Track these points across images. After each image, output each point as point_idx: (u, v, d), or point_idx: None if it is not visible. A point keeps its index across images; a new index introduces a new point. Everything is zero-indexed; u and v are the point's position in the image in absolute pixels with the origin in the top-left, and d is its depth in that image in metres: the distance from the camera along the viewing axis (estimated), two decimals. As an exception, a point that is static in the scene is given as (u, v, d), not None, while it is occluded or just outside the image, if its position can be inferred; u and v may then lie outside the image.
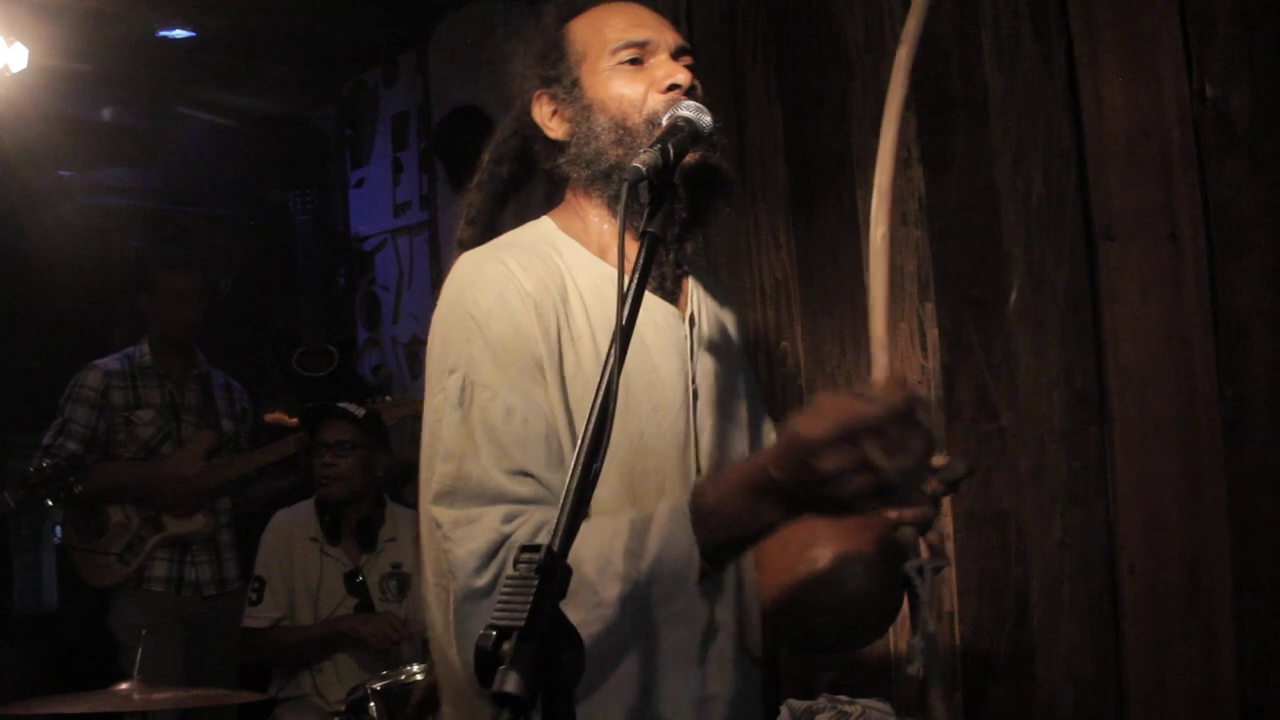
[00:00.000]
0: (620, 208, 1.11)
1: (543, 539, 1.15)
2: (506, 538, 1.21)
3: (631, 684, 1.29)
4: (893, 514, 1.42)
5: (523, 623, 0.85)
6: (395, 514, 3.42)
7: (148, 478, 3.45)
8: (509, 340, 1.32)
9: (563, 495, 0.95)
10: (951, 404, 2.58)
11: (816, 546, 1.37)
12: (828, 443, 1.04)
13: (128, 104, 4.21)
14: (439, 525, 1.27)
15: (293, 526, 3.29)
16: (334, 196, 4.70)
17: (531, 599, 0.86)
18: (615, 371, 1.00)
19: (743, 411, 1.56)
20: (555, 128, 1.48)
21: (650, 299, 1.46)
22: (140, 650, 2.34)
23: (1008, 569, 2.47)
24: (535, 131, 1.51)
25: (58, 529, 3.60)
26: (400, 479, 3.99)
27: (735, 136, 3.04)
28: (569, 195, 1.51)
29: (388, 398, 3.68)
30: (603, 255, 1.46)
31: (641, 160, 1.15)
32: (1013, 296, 2.45)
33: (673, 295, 1.50)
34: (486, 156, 1.58)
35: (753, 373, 1.72)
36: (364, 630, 3.12)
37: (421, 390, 4.11)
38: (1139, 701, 2.24)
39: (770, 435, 1.72)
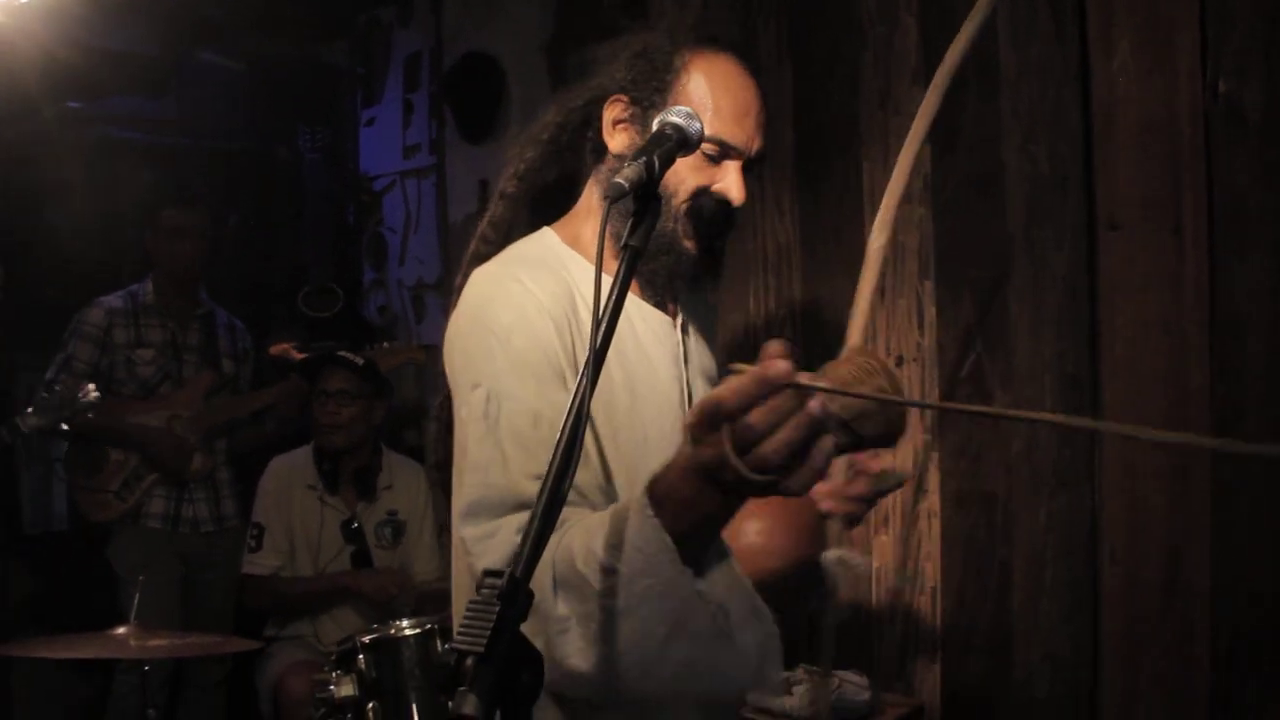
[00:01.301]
0: (600, 224, 1.11)
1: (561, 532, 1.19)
2: None
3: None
4: (826, 505, 1.46)
5: (481, 647, 0.87)
6: (391, 462, 3.45)
7: (143, 426, 3.47)
8: (531, 354, 1.34)
9: (530, 518, 0.96)
10: (946, 383, 2.60)
11: (752, 519, 1.42)
12: (727, 406, 0.99)
13: (138, 34, 4.17)
14: (464, 542, 1.30)
15: (291, 474, 3.33)
16: (344, 135, 4.66)
17: (492, 624, 0.88)
18: (586, 396, 1.01)
19: None
20: (615, 137, 1.48)
21: (647, 309, 1.50)
22: (138, 595, 2.38)
23: (993, 548, 2.50)
24: (596, 120, 1.50)
25: (65, 450, 3.63)
26: (396, 426, 4.03)
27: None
28: (585, 201, 1.52)
29: (385, 344, 3.67)
30: (605, 268, 1.46)
31: (624, 176, 1.13)
32: (1011, 281, 2.44)
33: (664, 306, 1.53)
34: (550, 115, 1.56)
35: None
36: (364, 585, 3.18)
37: (424, 335, 4.13)
38: (1113, 684, 2.28)
39: None
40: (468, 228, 4.01)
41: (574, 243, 1.50)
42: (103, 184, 4.11)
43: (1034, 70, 2.41)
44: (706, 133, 1.37)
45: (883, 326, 2.70)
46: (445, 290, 4.15)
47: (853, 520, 1.49)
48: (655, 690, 1.20)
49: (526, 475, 1.28)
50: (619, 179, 1.13)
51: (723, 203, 1.44)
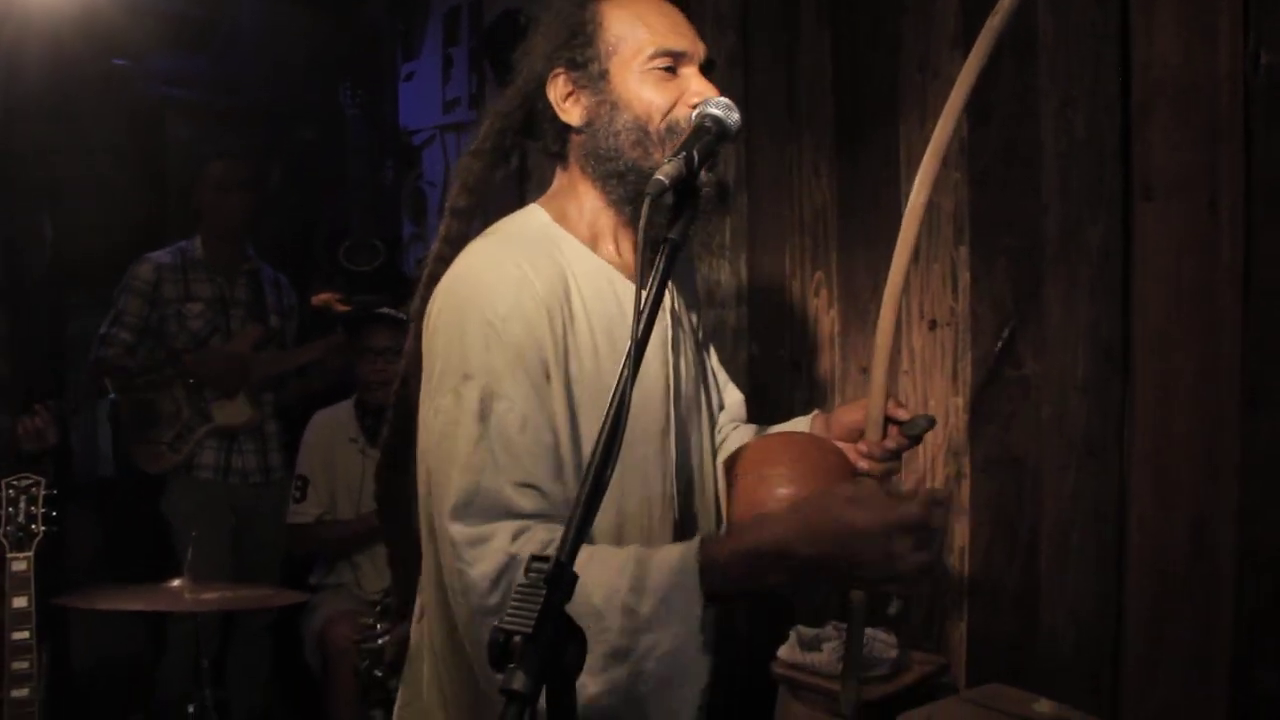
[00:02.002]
0: (641, 222, 1.13)
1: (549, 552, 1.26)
2: (513, 558, 1.27)
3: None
4: (862, 464, 1.51)
5: (529, 628, 0.93)
6: (432, 415, 3.52)
7: (196, 360, 3.57)
8: (524, 346, 1.35)
9: (574, 504, 1.02)
10: (978, 349, 2.63)
11: (783, 486, 1.45)
12: (877, 534, 1.17)
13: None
14: (453, 543, 1.31)
15: (333, 428, 3.42)
16: (384, 89, 4.70)
17: (539, 607, 0.94)
18: (629, 385, 1.06)
19: (705, 399, 1.63)
20: (569, 110, 1.48)
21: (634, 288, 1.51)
22: (190, 550, 2.47)
23: (1021, 511, 2.54)
24: (543, 107, 1.50)
25: (111, 399, 3.74)
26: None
27: (785, 62, 3.03)
28: (565, 180, 1.52)
29: None
30: (593, 246, 1.49)
31: (664, 172, 1.17)
32: (1046, 248, 2.46)
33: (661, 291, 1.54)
34: (488, 124, 1.57)
35: (712, 347, 1.79)
36: None
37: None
38: (1136, 647, 2.32)
39: (735, 396, 1.81)
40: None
41: (562, 220, 1.51)
42: (148, 140, 4.18)
43: (1073, 37, 2.40)
44: (648, 50, 1.42)
45: (917, 290, 2.72)
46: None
47: (888, 476, 1.54)
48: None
49: (512, 482, 1.31)
50: (659, 175, 1.17)
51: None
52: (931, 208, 2.65)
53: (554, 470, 1.35)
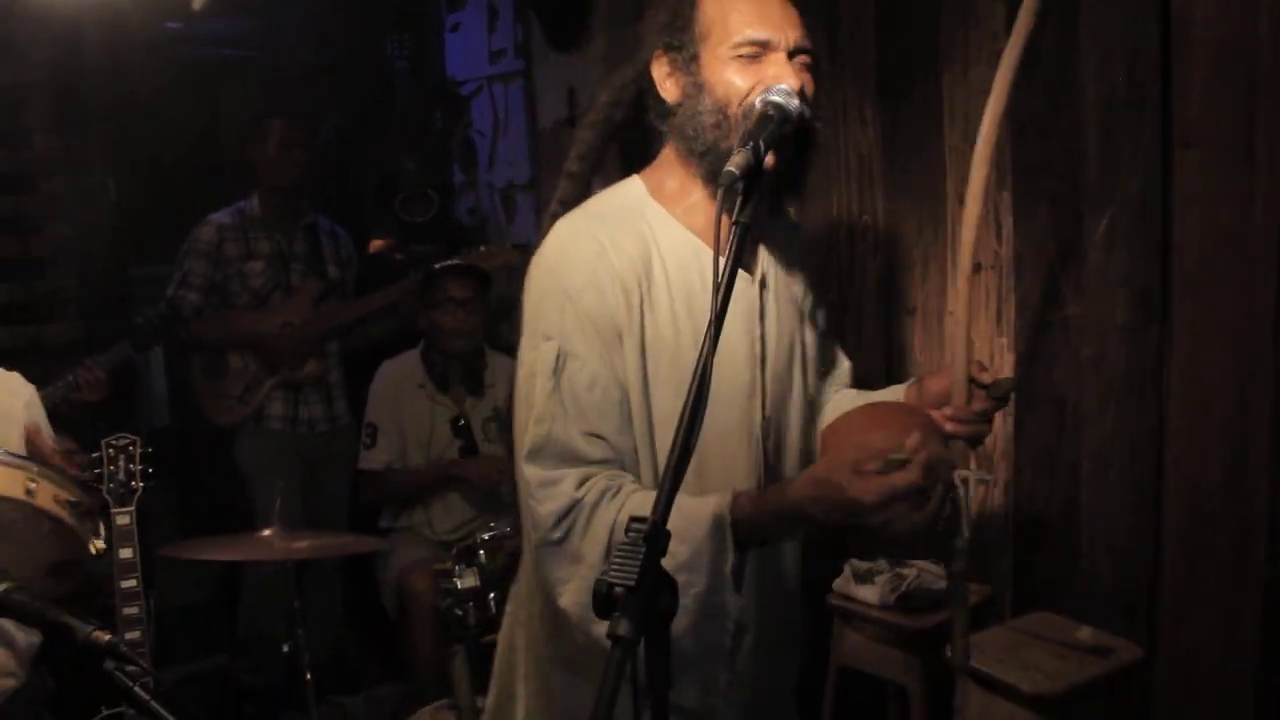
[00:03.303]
0: (716, 211, 1.26)
1: (605, 504, 1.44)
2: (578, 501, 1.45)
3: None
4: (949, 427, 1.61)
5: (632, 581, 1.07)
6: (494, 361, 3.65)
7: (259, 333, 3.70)
8: (597, 314, 1.50)
9: (665, 470, 1.15)
10: (1021, 291, 2.71)
11: (873, 434, 1.53)
12: (869, 506, 1.32)
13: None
14: (527, 482, 1.50)
15: (401, 376, 3.55)
16: (430, 40, 4.76)
17: (640, 561, 1.08)
18: (709, 357, 1.18)
19: (801, 365, 1.73)
20: (669, 90, 1.58)
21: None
22: (279, 500, 2.63)
23: (1062, 448, 2.65)
24: (651, 85, 1.61)
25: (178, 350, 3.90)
26: (491, 321, 4.22)
27: (827, 10, 3.08)
28: (666, 154, 1.62)
29: (482, 248, 3.85)
30: (687, 220, 1.59)
31: (734, 163, 1.28)
32: (1086, 195, 2.53)
33: (746, 262, 1.63)
34: (603, 97, 1.70)
35: (823, 316, 1.85)
36: (471, 472, 3.43)
37: (515, 234, 4.28)
38: (1173, 578, 2.44)
39: (843, 365, 1.91)
40: (557, 134, 4.16)
41: (657, 193, 1.62)
42: (203, 100, 4.28)
43: (1114, -12, 2.45)
44: (733, 38, 1.50)
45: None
46: (535, 191, 4.32)
47: (977, 439, 1.64)
48: None
49: (581, 432, 1.49)
50: (730, 166, 1.28)
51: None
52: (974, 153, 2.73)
53: (621, 423, 1.52)
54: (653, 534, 1.10)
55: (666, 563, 1.13)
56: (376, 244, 4.50)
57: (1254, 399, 2.25)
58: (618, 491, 1.46)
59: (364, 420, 3.56)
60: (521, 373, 1.56)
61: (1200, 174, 2.33)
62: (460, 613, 2.59)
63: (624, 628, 1.05)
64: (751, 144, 1.31)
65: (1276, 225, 2.20)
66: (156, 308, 3.57)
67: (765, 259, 1.68)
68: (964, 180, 2.74)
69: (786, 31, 1.52)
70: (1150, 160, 2.41)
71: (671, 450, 1.16)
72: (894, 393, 1.80)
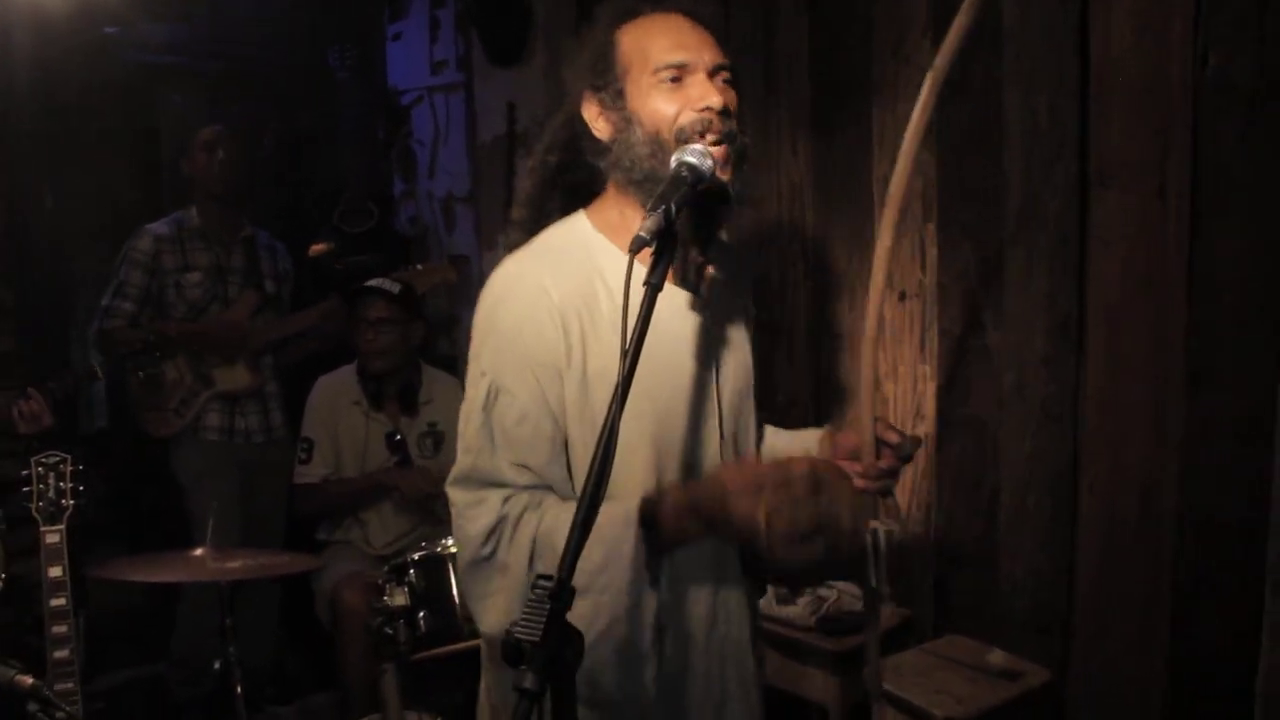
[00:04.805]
0: (625, 279, 1.29)
1: (528, 515, 1.51)
2: (504, 517, 1.52)
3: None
4: (859, 483, 1.66)
5: (538, 637, 1.10)
6: (431, 377, 3.66)
7: (196, 332, 3.70)
8: (534, 352, 1.54)
9: (571, 528, 1.18)
10: (944, 319, 2.78)
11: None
12: (742, 491, 1.39)
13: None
14: (454, 504, 1.58)
15: (337, 392, 3.55)
16: (373, 49, 4.75)
17: (545, 617, 1.11)
18: (616, 418, 1.22)
19: (747, 379, 1.78)
20: (601, 128, 1.62)
21: (671, 288, 1.61)
22: (212, 520, 2.62)
23: (983, 472, 2.72)
24: (583, 127, 1.65)
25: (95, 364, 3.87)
26: (432, 342, 4.23)
27: (764, 42, 3.13)
28: (609, 190, 1.66)
29: (419, 266, 3.85)
30: (615, 237, 1.63)
31: (645, 228, 1.32)
32: (1008, 227, 2.60)
33: (695, 285, 1.67)
34: (539, 145, 1.75)
35: (752, 338, 1.89)
36: (401, 482, 3.44)
37: (456, 245, 4.27)
38: (1087, 601, 2.52)
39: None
40: (496, 148, 4.16)
41: (603, 226, 1.65)
42: (139, 109, 4.23)
43: (1035, 26, 2.52)
44: (652, 66, 1.56)
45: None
46: (475, 204, 4.33)
47: (885, 492, 1.71)
48: None
49: (507, 462, 1.55)
50: (641, 232, 1.32)
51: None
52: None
53: (551, 456, 1.57)
54: (557, 590, 1.13)
55: (582, 565, 1.18)
56: (317, 247, 4.49)
57: (1166, 427, 2.33)
58: (539, 505, 1.52)
59: (300, 435, 3.56)
60: (464, 408, 1.63)
61: (1116, 211, 2.40)
62: (390, 631, 2.60)
63: (530, 680, 1.09)
64: (664, 207, 1.35)
65: (1187, 265, 2.28)
66: (107, 319, 3.58)
67: (713, 282, 1.71)
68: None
69: (703, 53, 1.57)
70: (1069, 192, 2.48)
71: (578, 509, 1.20)
72: (809, 438, 1.86)
